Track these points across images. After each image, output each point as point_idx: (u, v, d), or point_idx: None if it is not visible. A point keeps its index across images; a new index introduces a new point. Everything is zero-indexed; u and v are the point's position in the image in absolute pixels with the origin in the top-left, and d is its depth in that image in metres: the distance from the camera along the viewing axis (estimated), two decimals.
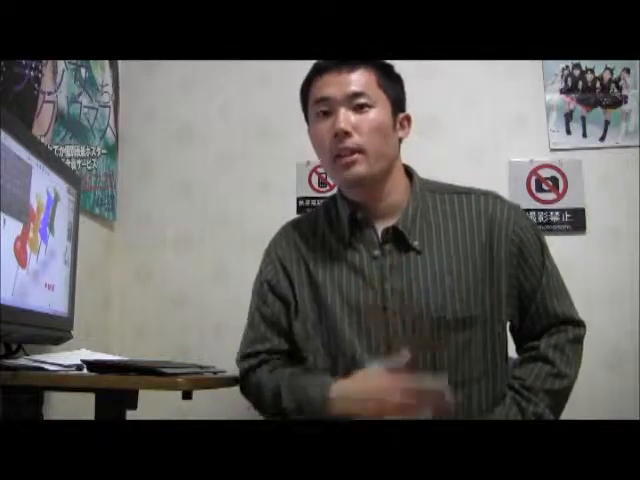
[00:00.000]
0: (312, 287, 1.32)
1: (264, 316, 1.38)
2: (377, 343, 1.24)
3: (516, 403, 1.23)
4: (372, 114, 1.26)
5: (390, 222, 1.28)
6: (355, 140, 1.24)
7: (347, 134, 1.24)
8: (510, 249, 1.26)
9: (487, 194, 1.32)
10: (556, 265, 1.33)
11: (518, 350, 1.33)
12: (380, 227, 1.29)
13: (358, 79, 1.27)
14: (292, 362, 1.35)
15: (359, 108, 1.26)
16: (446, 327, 1.22)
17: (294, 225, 1.42)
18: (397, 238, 1.27)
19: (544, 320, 1.28)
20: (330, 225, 1.36)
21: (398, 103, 1.32)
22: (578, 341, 1.30)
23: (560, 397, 1.26)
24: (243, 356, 1.38)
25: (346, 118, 1.25)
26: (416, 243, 1.26)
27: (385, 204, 1.30)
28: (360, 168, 1.25)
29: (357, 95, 1.26)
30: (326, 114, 1.28)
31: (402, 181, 1.33)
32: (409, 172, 1.36)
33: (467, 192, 1.32)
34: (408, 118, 1.34)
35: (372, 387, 1.17)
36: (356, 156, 1.25)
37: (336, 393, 1.19)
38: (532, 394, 1.22)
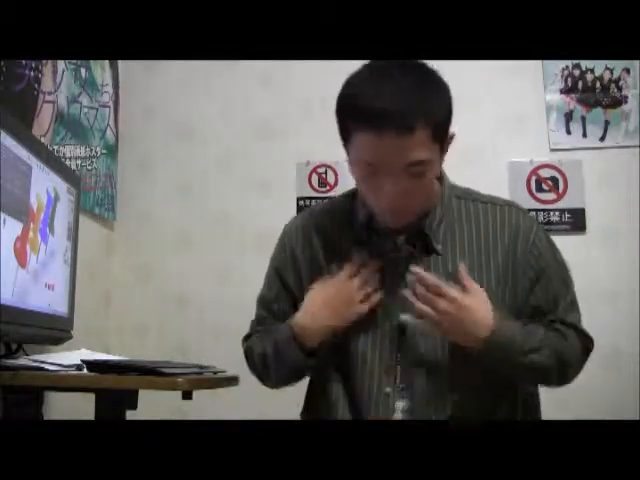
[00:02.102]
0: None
1: (267, 301, 1.37)
2: (388, 349, 1.24)
3: (524, 324, 1.20)
4: (427, 177, 1.14)
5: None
6: (405, 207, 1.16)
7: (401, 205, 1.15)
8: (530, 261, 1.25)
9: (510, 205, 1.31)
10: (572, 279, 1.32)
11: None
12: (402, 235, 1.28)
13: (417, 144, 1.08)
14: None
15: (414, 175, 1.12)
16: None
17: (310, 215, 1.38)
18: (421, 240, 1.26)
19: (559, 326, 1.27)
20: (347, 224, 1.33)
21: (447, 133, 1.16)
22: (587, 353, 1.27)
23: (564, 366, 1.21)
24: (244, 337, 1.39)
25: (400, 191, 1.12)
26: (439, 247, 1.25)
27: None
28: (404, 220, 1.20)
29: (414, 164, 1.10)
30: (374, 173, 1.13)
31: (433, 190, 1.31)
32: (440, 176, 1.32)
33: (491, 201, 1.30)
34: (452, 137, 1.19)
35: (320, 299, 1.21)
36: (403, 213, 1.19)
37: (297, 326, 1.22)
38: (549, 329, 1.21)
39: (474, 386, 1.20)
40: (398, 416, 1.20)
